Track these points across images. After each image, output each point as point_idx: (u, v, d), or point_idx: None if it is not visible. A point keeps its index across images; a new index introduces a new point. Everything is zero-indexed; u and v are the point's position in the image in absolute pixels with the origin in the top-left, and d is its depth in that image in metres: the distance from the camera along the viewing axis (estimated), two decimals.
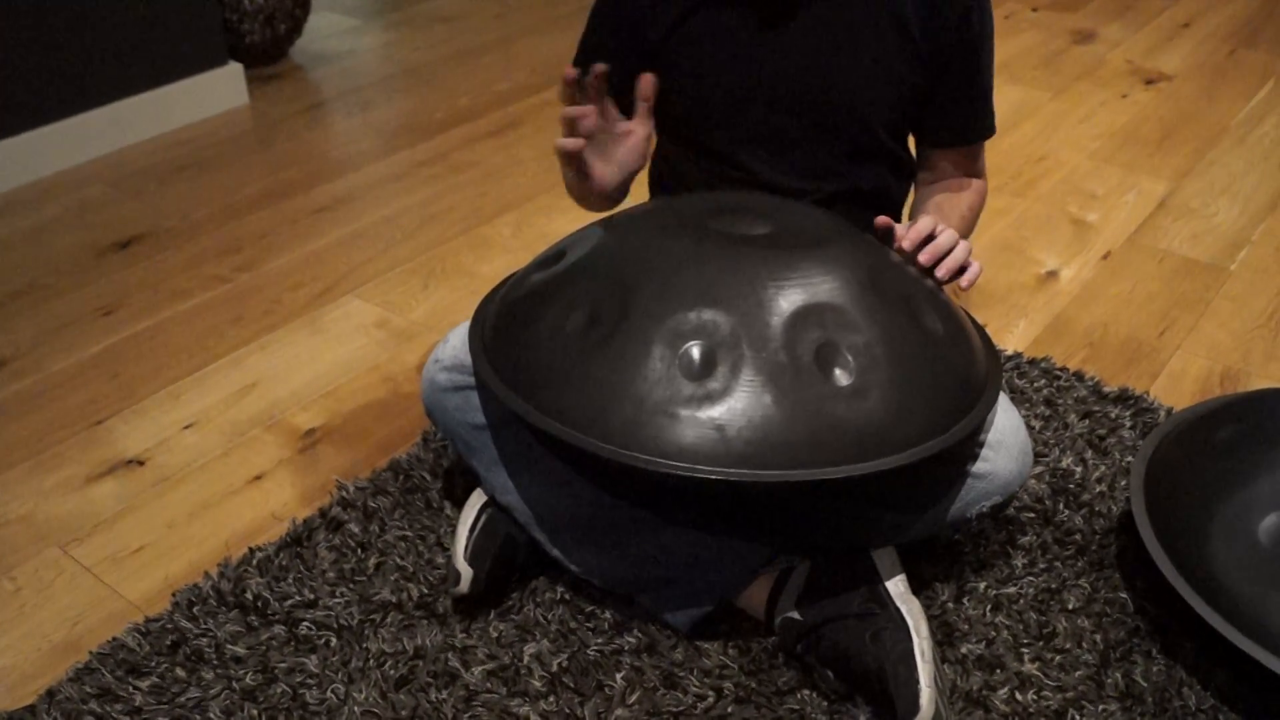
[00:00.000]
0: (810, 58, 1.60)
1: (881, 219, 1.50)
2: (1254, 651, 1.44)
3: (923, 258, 1.46)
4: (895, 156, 1.73)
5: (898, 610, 1.45)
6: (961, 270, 1.47)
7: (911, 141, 1.77)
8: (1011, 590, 1.65)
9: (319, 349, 2.23)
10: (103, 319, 2.32)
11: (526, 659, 1.54)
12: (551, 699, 1.49)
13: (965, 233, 1.71)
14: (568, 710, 1.48)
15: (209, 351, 2.22)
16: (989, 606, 1.62)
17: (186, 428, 2.01)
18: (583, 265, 1.45)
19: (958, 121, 1.70)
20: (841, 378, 1.31)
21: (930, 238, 1.48)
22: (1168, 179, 2.88)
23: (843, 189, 1.69)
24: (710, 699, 1.49)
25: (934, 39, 1.60)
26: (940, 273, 1.46)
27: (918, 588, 1.60)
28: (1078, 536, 1.74)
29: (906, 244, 1.47)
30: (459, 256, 2.55)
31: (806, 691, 1.50)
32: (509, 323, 1.46)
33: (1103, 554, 1.72)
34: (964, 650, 1.56)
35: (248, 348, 2.23)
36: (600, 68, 1.48)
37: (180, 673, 1.53)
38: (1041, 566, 1.69)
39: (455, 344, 1.64)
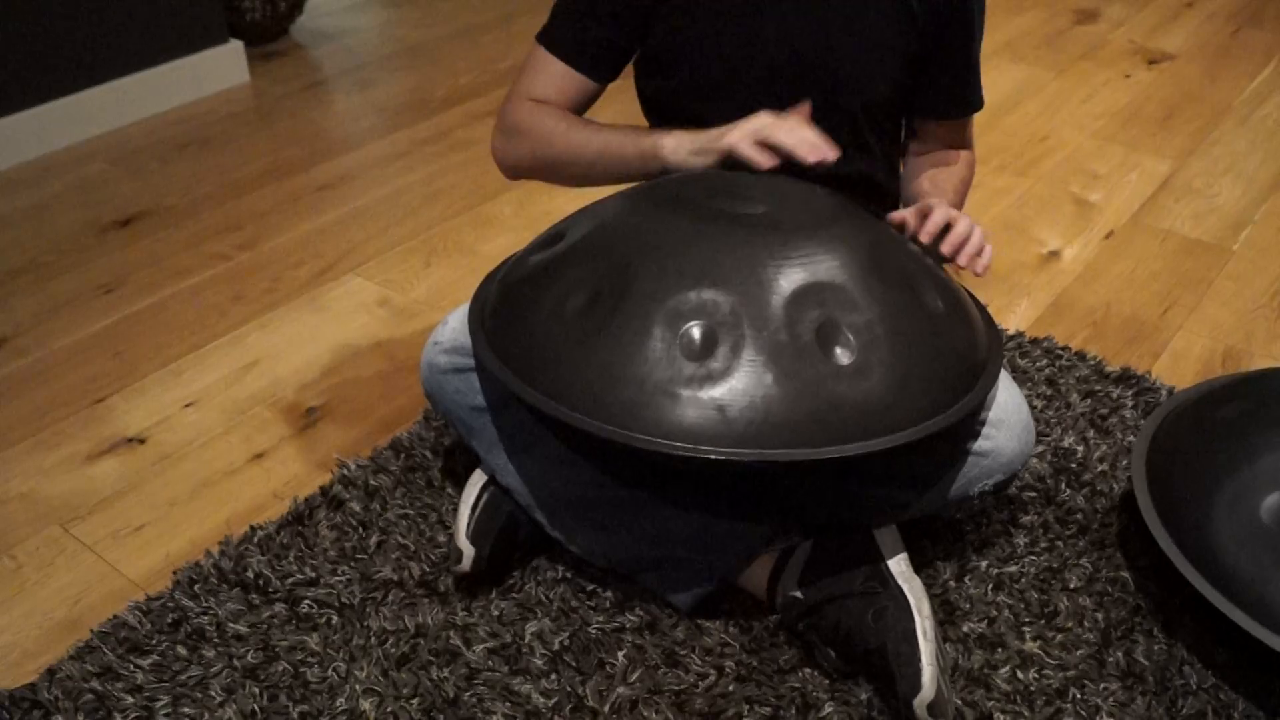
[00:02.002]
0: (807, 28, 1.58)
1: (896, 216, 1.50)
2: (1255, 630, 1.44)
3: (945, 249, 1.45)
4: (889, 143, 1.72)
5: (899, 589, 1.45)
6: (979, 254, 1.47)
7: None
8: (1013, 569, 1.65)
9: (320, 327, 2.22)
10: (104, 297, 2.32)
11: (528, 637, 1.54)
12: (553, 677, 1.49)
13: (959, 205, 1.69)
14: (569, 688, 1.48)
15: (210, 329, 2.22)
16: (990, 585, 1.62)
17: (187, 406, 2.01)
18: (582, 246, 1.44)
19: (951, 94, 1.69)
20: (842, 356, 1.31)
21: (948, 228, 1.47)
22: (1170, 159, 2.87)
23: (840, 169, 1.66)
24: (712, 677, 1.49)
25: (932, 7, 1.58)
26: (962, 260, 1.45)
27: (919, 566, 1.60)
28: (1079, 515, 1.74)
29: (925, 237, 1.45)
30: (460, 235, 2.54)
31: (808, 670, 1.50)
32: (509, 304, 1.45)
33: (1104, 533, 1.72)
34: (965, 629, 1.56)
35: (248, 326, 2.23)
36: None
37: (181, 651, 1.53)
38: (1043, 545, 1.69)
39: (455, 326, 1.63)
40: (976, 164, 1.78)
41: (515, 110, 1.68)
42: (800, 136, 1.47)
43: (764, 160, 1.48)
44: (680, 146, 1.56)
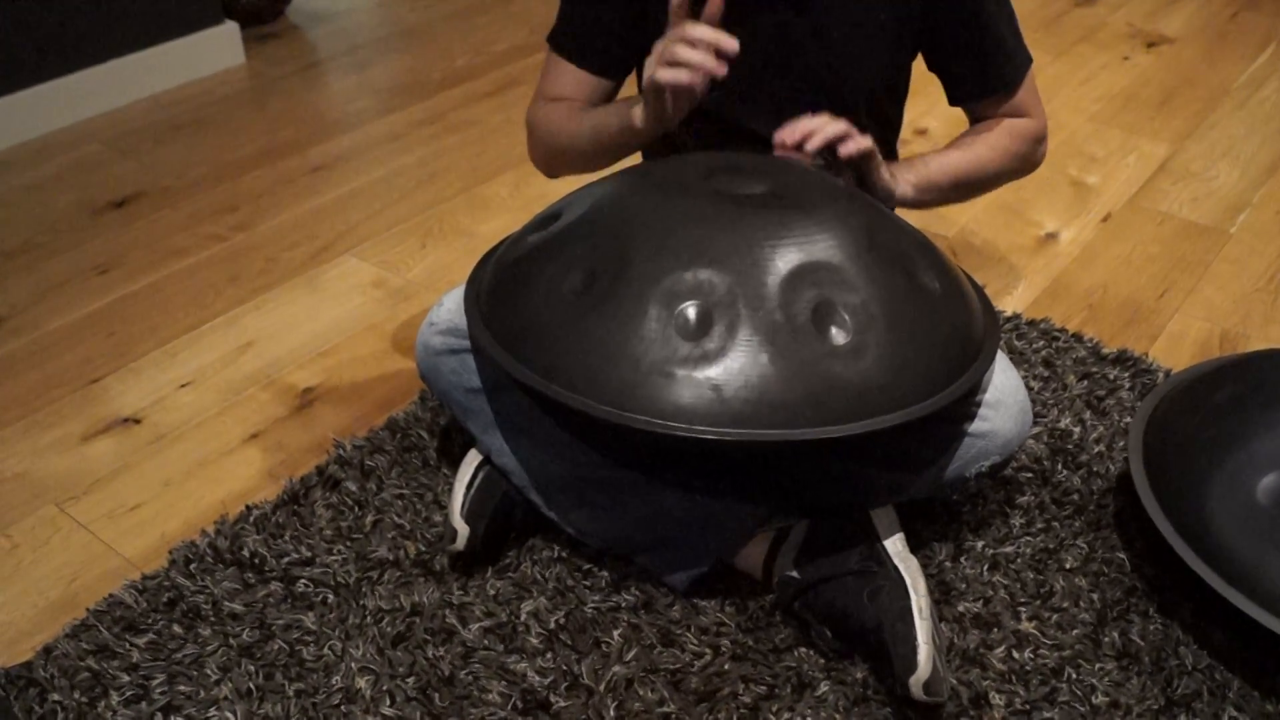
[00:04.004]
0: (806, 17, 1.58)
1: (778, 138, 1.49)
2: (1251, 611, 1.44)
3: (779, 137, 1.46)
4: (890, 130, 1.72)
5: (896, 568, 1.45)
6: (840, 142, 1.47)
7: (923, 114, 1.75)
8: (1009, 550, 1.65)
9: (316, 308, 2.22)
10: (99, 278, 2.31)
11: (524, 616, 1.54)
12: (549, 656, 1.49)
13: (979, 166, 1.68)
14: (565, 667, 1.48)
15: (205, 310, 2.21)
16: (986, 565, 1.62)
17: (183, 386, 2.01)
18: (578, 226, 1.44)
19: (975, 74, 1.67)
20: (838, 336, 1.31)
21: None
22: (1168, 142, 2.87)
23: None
24: (707, 656, 1.49)
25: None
26: (810, 145, 1.45)
27: (915, 547, 1.60)
28: (1075, 496, 1.74)
29: (790, 140, 1.46)
30: (456, 216, 2.54)
31: (804, 649, 1.50)
32: (504, 285, 1.45)
33: (1100, 514, 1.72)
34: (961, 609, 1.56)
35: (244, 307, 2.22)
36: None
37: (177, 629, 1.53)
38: (1039, 526, 1.69)
39: (450, 307, 1.63)
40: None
41: (531, 111, 1.74)
42: (701, 53, 1.42)
43: (672, 77, 1.43)
44: (638, 104, 1.55)
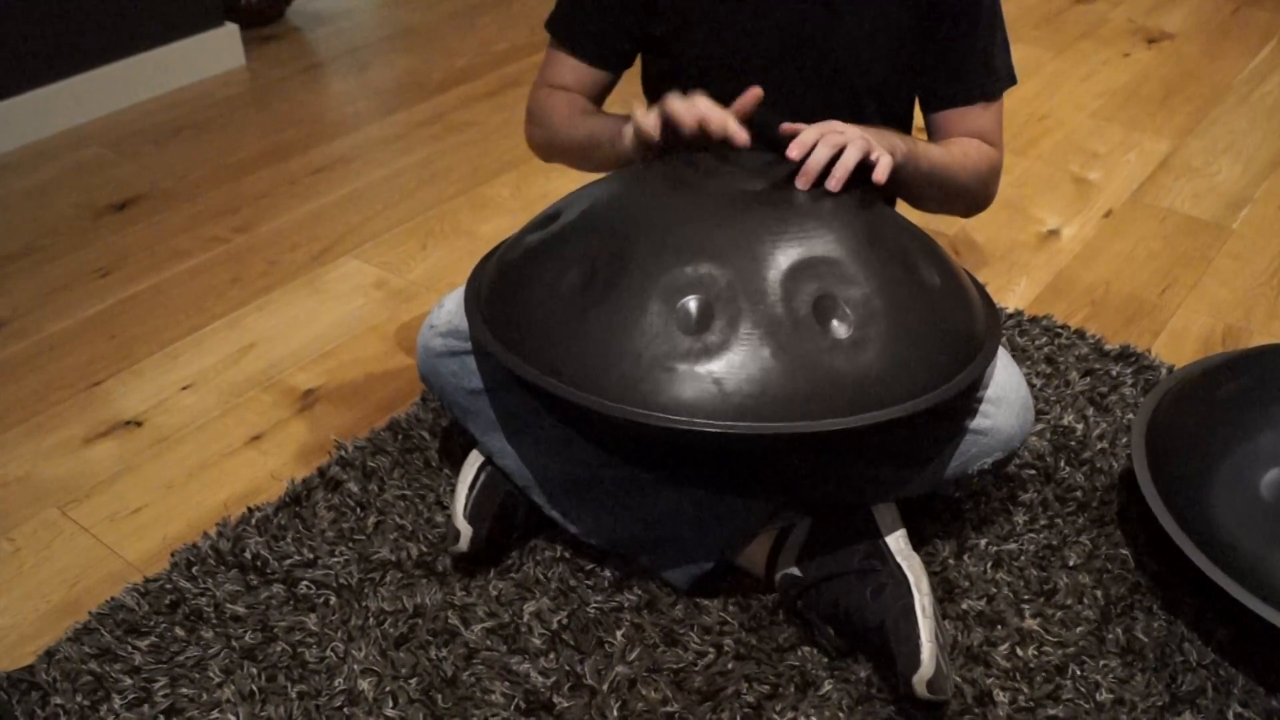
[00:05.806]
0: (809, 8, 1.58)
1: (785, 126, 1.46)
2: (1255, 606, 1.44)
3: (799, 183, 1.41)
4: (897, 126, 1.71)
5: (898, 566, 1.45)
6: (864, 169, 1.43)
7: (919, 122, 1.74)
8: (1012, 547, 1.65)
9: (317, 309, 2.22)
10: (100, 280, 2.31)
11: (526, 617, 1.54)
12: (551, 656, 1.49)
13: (954, 170, 1.64)
14: (568, 667, 1.47)
15: (207, 312, 2.21)
16: (990, 563, 1.62)
17: (185, 388, 2.01)
18: (578, 223, 1.43)
19: (960, 79, 1.65)
20: (840, 330, 1.30)
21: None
22: (1170, 137, 2.86)
23: None
24: (710, 655, 1.49)
25: None
26: (831, 184, 1.40)
27: (918, 544, 1.60)
28: (1079, 493, 1.74)
29: (794, 153, 1.42)
30: (457, 217, 2.53)
31: (807, 648, 1.50)
32: (504, 283, 1.45)
33: (1104, 510, 1.71)
34: (965, 606, 1.56)
35: (246, 308, 2.22)
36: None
37: (179, 632, 1.53)
38: (1042, 523, 1.69)
39: (450, 309, 1.63)
40: None
41: (533, 96, 1.73)
42: (688, 107, 1.45)
43: (649, 126, 1.47)
44: (629, 128, 1.54)
